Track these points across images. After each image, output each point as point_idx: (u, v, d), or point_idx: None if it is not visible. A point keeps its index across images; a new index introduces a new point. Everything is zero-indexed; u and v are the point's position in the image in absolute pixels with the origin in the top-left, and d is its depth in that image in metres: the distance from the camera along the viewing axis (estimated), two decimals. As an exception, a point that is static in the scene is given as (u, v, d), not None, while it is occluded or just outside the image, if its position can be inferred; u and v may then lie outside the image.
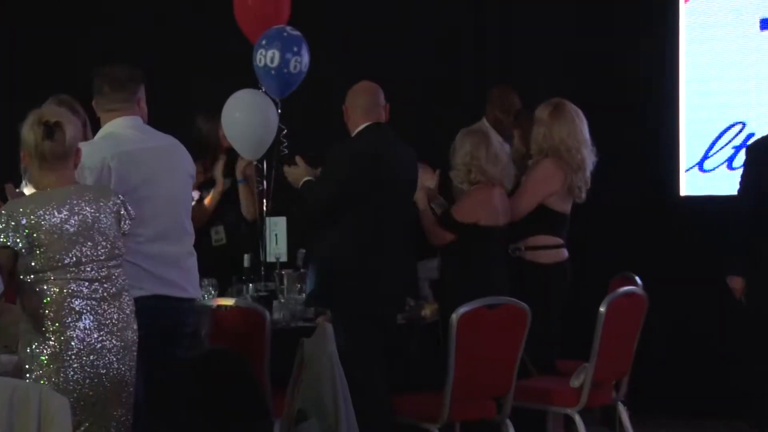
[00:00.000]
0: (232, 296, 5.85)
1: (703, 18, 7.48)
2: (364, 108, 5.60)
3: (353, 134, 5.62)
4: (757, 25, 7.33)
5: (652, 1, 7.62)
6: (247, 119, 6.22)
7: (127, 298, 4.30)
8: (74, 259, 4.13)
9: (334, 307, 5.53)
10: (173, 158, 4.87)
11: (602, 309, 5.59)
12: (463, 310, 5.29)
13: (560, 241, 6.24)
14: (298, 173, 5.67)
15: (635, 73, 7.51)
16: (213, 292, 5.81)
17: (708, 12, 7.47)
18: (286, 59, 6.32)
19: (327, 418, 4.52)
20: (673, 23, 7.50)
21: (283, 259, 6.24)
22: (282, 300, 5.88)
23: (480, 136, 6.08)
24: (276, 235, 6.26)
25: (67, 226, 4.12)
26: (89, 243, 4.16)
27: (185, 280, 4.80)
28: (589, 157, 6.21)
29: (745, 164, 6.52)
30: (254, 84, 6.43)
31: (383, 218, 5.53)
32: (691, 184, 7.51)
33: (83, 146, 4.39)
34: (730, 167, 7.37)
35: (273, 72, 6.32)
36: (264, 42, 6.34)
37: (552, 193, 6.18)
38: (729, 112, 7.42)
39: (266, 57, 6.29)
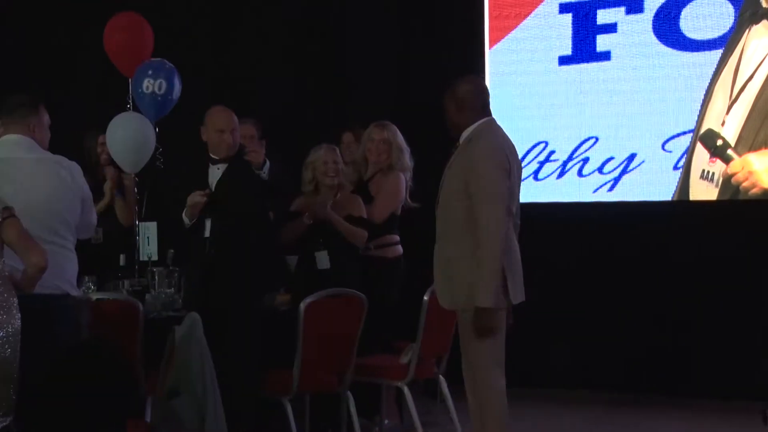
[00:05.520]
0: (109, 291, 5.82)
1: (508, 57, 7.83)
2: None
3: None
4: (557, 61, 7.70)
5: (465, 49, 7.88)
6: (130, 138, 6.27)
7: (8, 290, 4.25)
8: None
9: (223, 298, 5.46)
10: (45, 171, 4.77)
11: (426, 298, 5.68)
12: (309, 299, 5.38)
13: (398, 238, 6.38)
14: None
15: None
16: (93, 287, 5.73)
17: (513, 52, 7.82)
18: (172, 87, 6.51)
19: (196, 394, 4.57)
20: (480, 67, 7.78)
21: (154, 258, 6.20)
22: (153, 293, 5.81)
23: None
24: (148, 237, 6.25)
25: None
26: None
27: (57, 279, 4.65)
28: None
29: None
30: (123, 108, 6.54)
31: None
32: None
33: None
34: (536, 179, 7.78)
35: (159, 98, 6.47)
36: (150, 72, 6.50)
37: (401, 200, 6.37)
38: (534, 134, 7.80)
39: (154, 85, 6.45)
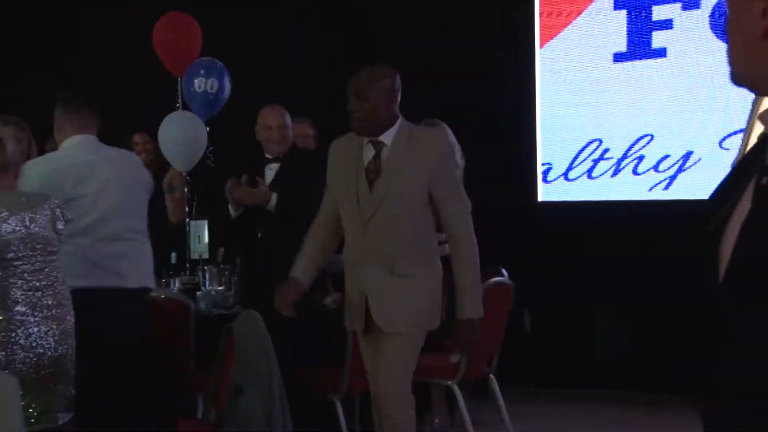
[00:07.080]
0: (161, 289, 5.73)
1: (560, 54, 7.74)
2: None
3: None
4: (611, 58, 7.61)
5: (516, 48, 7.83)
6: (183, 136, 6.30)
7: (63, 287, 4.28)
8: (12, 255, 4.16)
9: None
10: (118, 170, 4.84)
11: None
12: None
13: (443, 237, 6.28)
14: (265, 192, 5.61)
15: (501, 108, 7.74)
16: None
17: (566, 50, 7.73)
18: (223, 86, 6.59)
19: (263, 391, 4.62)
20: (530, 65, 7.75)
21: (205, 256, 6.24)
22: (204, 291, 5.87)
23: None
24: (199, 235, 6.29)
25: (6, 225, 4.16)
26: (27, 241, 4.18)
27: (128, 271, 4.76)
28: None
29: None
30: (171, 107, 6.61)
31: None
32: (558, 190, 7.76)
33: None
34: (590, 177, 7.69)
35: (211, 97, 6.54)
36: (203, 71, 6.58)
37: None
38: (588, 132, 7.72)
39: (206, 84, 6.52)
